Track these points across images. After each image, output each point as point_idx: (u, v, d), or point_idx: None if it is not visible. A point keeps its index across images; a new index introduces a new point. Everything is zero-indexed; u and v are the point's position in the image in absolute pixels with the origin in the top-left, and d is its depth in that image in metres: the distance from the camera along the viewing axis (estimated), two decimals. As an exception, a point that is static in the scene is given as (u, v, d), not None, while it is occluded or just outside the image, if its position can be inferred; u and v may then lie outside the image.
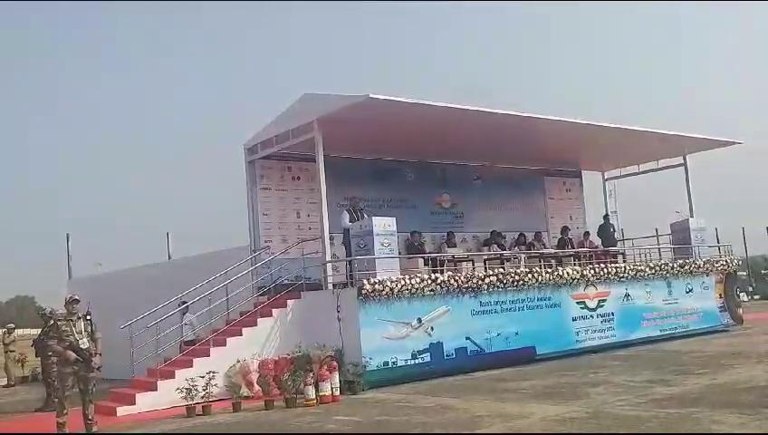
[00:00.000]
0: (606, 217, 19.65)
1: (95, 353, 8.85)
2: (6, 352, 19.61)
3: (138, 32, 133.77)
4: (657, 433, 6.80)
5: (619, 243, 19.56)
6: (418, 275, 12.72)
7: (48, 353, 12.55)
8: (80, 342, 8.76)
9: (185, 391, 10.69)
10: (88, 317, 9.03)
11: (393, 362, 12.01)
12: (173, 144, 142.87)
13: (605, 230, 18.86)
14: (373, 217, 12.80)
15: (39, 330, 14.79)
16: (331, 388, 10.64)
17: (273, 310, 12.87)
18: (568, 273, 14.70)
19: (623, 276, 15.69)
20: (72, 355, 8.71)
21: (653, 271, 16.31)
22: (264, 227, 14.73)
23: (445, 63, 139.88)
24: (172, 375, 11.46)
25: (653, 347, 14.95)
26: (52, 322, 10.39)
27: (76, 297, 9.06)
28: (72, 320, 8.86)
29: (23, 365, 19.66)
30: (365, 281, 11.91)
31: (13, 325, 21.00)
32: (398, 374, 11.94)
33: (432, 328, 12.58)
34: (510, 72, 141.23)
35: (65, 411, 8.76)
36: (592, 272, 15.15)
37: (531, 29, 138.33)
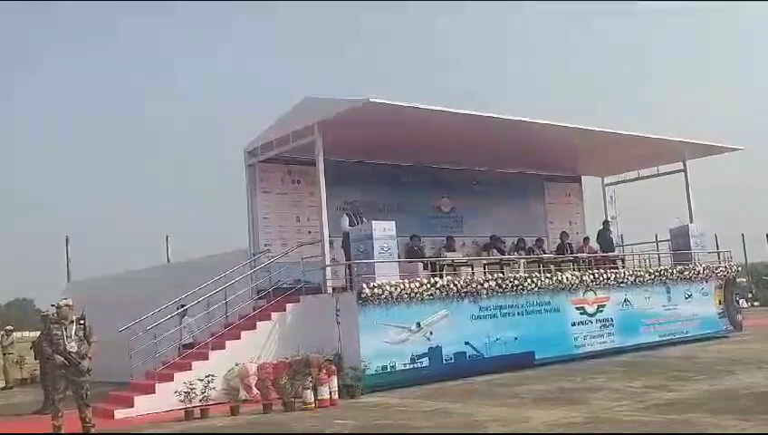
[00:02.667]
0: (605, 222, 19.62)
1: (85, 357, 8.80)
2: (5, 354, 19.59)
3: (138, 33, 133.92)
4: (656, 433, 6.78)
5: (617, 249, 19.53)
6: (418, 279, 12.71)
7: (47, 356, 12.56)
8: (68, 345, 8.73)
9: (183, 394, 10.64)
10: (81, 321, 9.00)
11: (392, 367, 11.99)
12: (173, 146, 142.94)
13: (604, 236, 18.85)
14: (373, 221, 12.79)
15: (38, 332, 14.77)
16: (330, 392, 10.61)
17: (273, 313, 12.85)
18: (567, 278, 14.69)
19: (622, 282, 15.68)
20: (60, 359, 8.69)
21: (652, 277, 16.31)
22: (263, 230, 14.72)
23: (445, 74, 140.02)
24: (170, 378, 11.43)
25: (652, 353, 14.93)
26: (44, 325, 10.39)
27: (68, 303, 9.03)
28: (64, 323, 8.84)
29: (21, 367, 19.64)
30: (364, 285, 11.89)
31: (11, 327, 20.98)
32: (396, 378, 11.92)
33: (431, 332, 12.57)
34: (508, 74, 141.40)
35: (60, 414, 8.76)
36: (592, 277, 15.14)
37: (530, 32, 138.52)
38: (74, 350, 8.74)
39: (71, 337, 8.78)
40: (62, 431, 8.74)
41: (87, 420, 8.84)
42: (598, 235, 18.98)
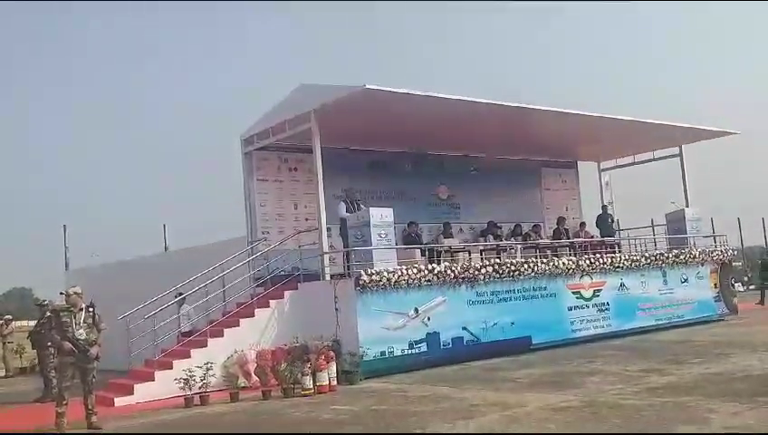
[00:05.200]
0: (604, 207, 19.71)
1: (94, 344, 8.91)
2: (4, 343, 19.68)
3: (135, 21, 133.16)
4: (648, 433, 6.83)
5: (616, 233, 19.60)
6: (415, 265, 12.76)
7: (47, 344, 12.62)
8: (76, 333, 8.81)
9: (182, 381, 10.70)
10: (90, 309, 9.09)
11: (390, 352, 12.07)
12: (171, 135, 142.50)
13: (603, 220, 18.91)
14: (370, 208, 12.82)
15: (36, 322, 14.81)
16: (329, 378, 10.69)
17: (271, 301, 12.91)
18: (563, 263, 14.76)
19: (618, 266, 15.75)
20: (68, 345, 8.76)
21: (648, 261, 16.38)
22: (261, 218, 14.76)
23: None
24: (170, 366, 11.50)
25: (648, 337, 15.03)
26: (49, 313, 10.44)
27: (77, 290, 9.11)
28: (73, 311, 8.92)
29: (20, 356, 19.74)
30: (362, 272, 11.94)
31: (10, 317, 21.08)
32: (394, 364, 12.00)
33: (429, 318, 12.64)
34: (508, 66, 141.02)
35: (65, 402, 8.82)
36: (588, 262, 15.20)
37: (530, 24, 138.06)
38: (83, 337, 8.82)
39: (79, 324, 8.86)
40: (65, 419, 8.81)
41: (90, 407, 8.93)
42: (597, 219, 19.05)
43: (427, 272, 12.69)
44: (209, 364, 11.00)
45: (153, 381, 11.40)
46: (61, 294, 10.12)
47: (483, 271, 13.45)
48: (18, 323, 22.63)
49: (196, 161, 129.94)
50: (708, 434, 6.08)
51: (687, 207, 18.55)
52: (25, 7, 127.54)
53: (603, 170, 21.21)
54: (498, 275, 13.66)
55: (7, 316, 21.07)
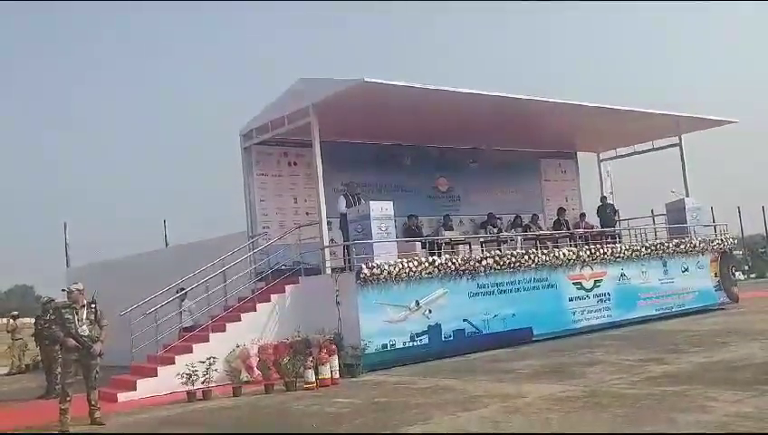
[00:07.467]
0: (604, 198, 19.71)
1: (97, 340, 8.94)
2: (13, 340, 19.79)
3: (135, 17, 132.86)
4: (645, 433, 6.86)
5: (617, 223, 19.59)
6: (416, 258, 12.78)
7: (45, 342, 12.66)
8: (79, 329, 8.84)
9: (185, 376, 10.71)
10: (92, 305, 9.11)
11: (392, 345, 12.10)
12: (170, 130, 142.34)
13: (603, 211, 18.92)
14: (370, 202, 12.83)
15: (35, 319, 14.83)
16: (331, 371, 10.72)
17: (272, 295, 12.94)
18: (564, 254, 14.77)
19: (619, 257, 15.76)
20: (71, 342, 8.79)
21: (649, 251, 16.38)
22: (261, 212, 14.77)
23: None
24: (172, 361, 11.55)
25: (649, 326, 15.06)
26: (52, 310, 10.47)
27: (79, 287, 9.13)
28: (75, 307, 8.95)
29: (23, 353, 19.79)
30: (363, 265, 11.95)
31: (16, 313, 21.21)
32: (396, 357, 12.04)
33: (430, 311, 12.67)
34: (510, 59, 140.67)
35: (68, 398, 8.85)
36: (588, 253, 15.21)
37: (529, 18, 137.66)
38: (86, 333, 8.85)
39: (82, 321, 8.89)
40: (69, 416, 8.84)
41: (93, 403, 8.96)
42: (597, 209, 19.06)
43: (427, 264, 12.70)
44: (211, 359, 11.03)
45: (156, 376, 11.44)
46: (62, 290, 10.15)
47: (483, 263, 13.47)
48: (20, 321, 22.66)
49: (196, 157, 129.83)
50: (707, 433, 6.07)
51: (687, 196, 18.54)
52: (24, 7, 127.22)
53: (603, 161, 21.21)
54: (499, 267, 13.68)
55: (14, 313, 21.19)
